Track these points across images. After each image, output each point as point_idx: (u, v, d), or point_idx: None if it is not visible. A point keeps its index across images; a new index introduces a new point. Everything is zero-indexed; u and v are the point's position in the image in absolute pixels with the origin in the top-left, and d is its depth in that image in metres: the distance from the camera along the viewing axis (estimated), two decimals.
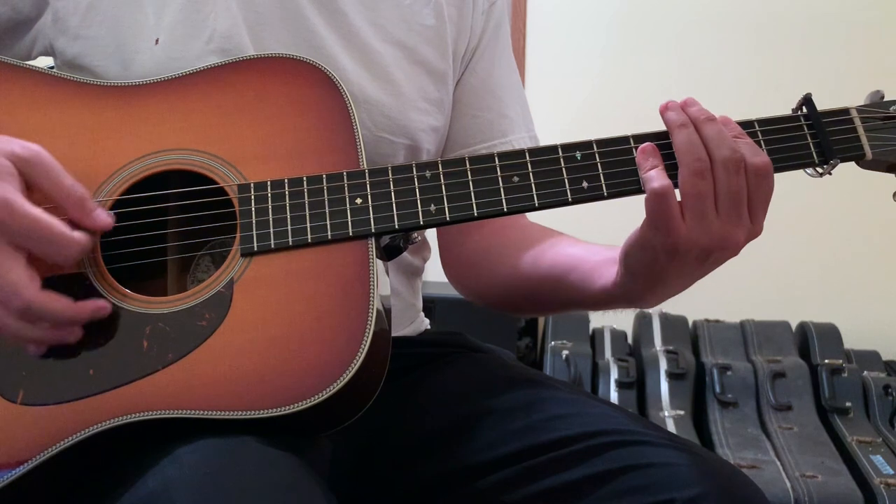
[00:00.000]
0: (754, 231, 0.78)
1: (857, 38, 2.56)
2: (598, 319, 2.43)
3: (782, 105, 0.86)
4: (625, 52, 2.70)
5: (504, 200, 0.79)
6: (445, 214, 0.79)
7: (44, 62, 0.94)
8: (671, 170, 0.77)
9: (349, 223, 0.77)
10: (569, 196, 0.79)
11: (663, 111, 0.80)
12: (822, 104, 0.81)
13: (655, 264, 0.78)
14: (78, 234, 0.73)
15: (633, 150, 0.79)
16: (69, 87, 0.86)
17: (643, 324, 2.39)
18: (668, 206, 0.75)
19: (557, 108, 2.55)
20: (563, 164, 0.79)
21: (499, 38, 1.06)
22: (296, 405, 0.69)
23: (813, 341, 2.32)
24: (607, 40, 2.71)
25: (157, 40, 0.89)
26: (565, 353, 2.31)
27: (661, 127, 0.80)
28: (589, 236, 0.96)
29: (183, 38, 0.89)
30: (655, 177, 0.76)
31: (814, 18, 2.58)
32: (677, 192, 0.77)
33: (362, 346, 0.71)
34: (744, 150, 0.77)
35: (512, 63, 1.09)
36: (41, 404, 0.72)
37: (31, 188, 0.73)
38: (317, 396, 0.69)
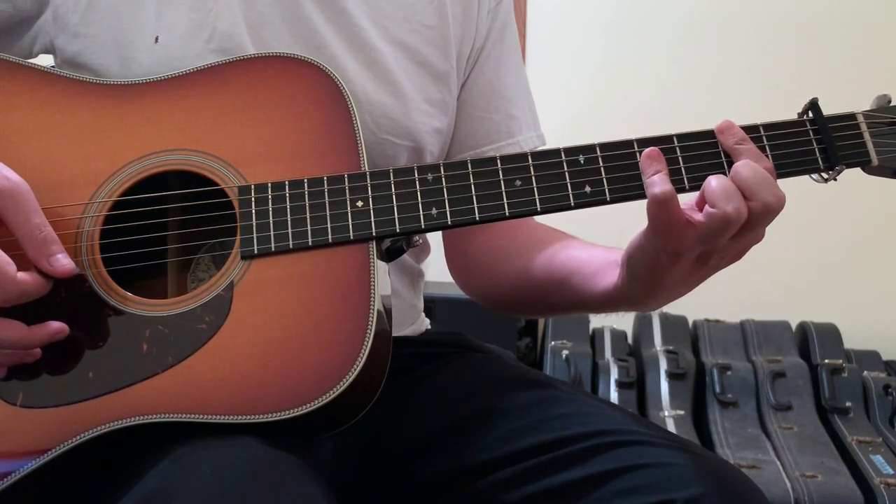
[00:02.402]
0: (757, 237, 0.78)
1: (858, 37, 2.56)
2: (599, 320, 2.43)
3: (783, 105, 0.86)
4: (625, 52, 2.70)
5: (506, 204, 0.78)
6: (447, 218, 0.78)
7: (44, 60, 0.94)
8: (675, 174, 0.77)
9: (350, 226, 0.77)
10: (571, 200, 0.78)
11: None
12: (822, 103, 0.81)
13: (658, 268, 0.78)
14: (22, 276, 0.71)
15: (637, 155, 0.78)
16: (69, 86, 0.86)
17: (643, 324, 2.39)
18: (670, 212, 0.74)
19: (557, 108, 2.54)
20: (565, 168, 0.79)
21: (505, 37, 1.06)
22: (296, 409, 0.69)
23: (813, 341, 2.31)
24: (607, 40, 2.71)
25: (156, 38, 0.89)
26: (565, 353, 2.30)
27: (663, 128, 0.80)
28: (592, 237, 0.96)
29: (183, 36, 0.89)
30: (657, 182, 0.75)
31: (815, 18, 2.58)
32: (683, 196, 0.77)
33: (363, 349, 0.71)
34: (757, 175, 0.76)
35: (519, 62, 1.08)
36: (41, 407, 0.72)
37: (1, 221, 0.73)
38: (318, 400, 0.69)
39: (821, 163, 0.80)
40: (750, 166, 0.75)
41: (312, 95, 0.83)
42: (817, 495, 1.82)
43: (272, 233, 0.77)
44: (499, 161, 0.79)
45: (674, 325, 2.38)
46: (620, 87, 2.65)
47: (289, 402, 0.69)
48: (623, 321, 2.48)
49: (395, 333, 0.79)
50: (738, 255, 0.79)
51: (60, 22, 0.91)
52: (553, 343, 2.35)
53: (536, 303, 1.01)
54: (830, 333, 2.33)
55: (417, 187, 0.79)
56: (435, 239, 1.08)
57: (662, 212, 0.74)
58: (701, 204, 0.76)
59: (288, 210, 0.78)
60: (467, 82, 1.03)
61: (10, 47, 0.94)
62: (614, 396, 2.20)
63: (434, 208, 0.78)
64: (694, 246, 0.75)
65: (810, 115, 0.81)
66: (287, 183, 0.79)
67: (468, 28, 1.02)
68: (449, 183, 0.79)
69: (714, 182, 0.74)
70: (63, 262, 0.73)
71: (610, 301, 0.86)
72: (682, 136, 0.79)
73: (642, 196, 0.77)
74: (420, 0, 0.99)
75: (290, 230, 0.77)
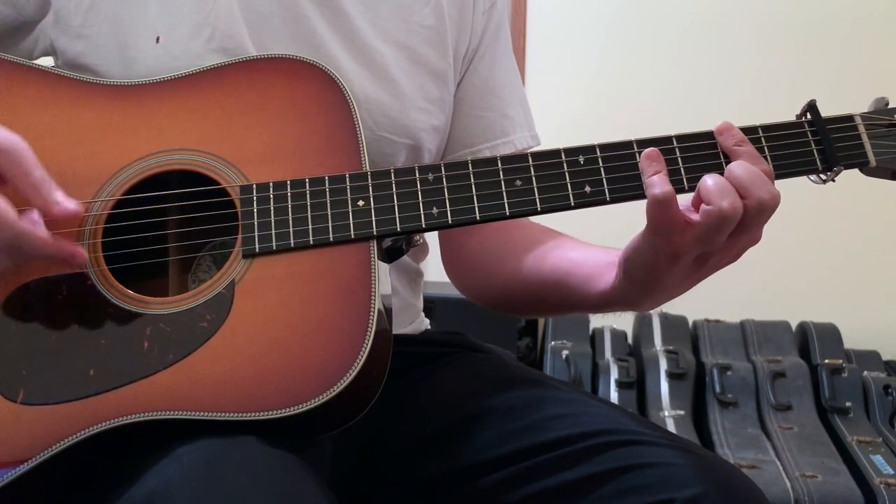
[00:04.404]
0: (754, 239, 0.78)
1: (857, 39, 2.56)
2: (599, 319, 2.43)
3: (782, 104, 0.86)
4: (625, 52, 2.70)
5: (506, 204, 0.79)
6: (447, 217, 0.79)
7: (44, 62, 0.94)
8: (674, 174, 0.77)
9: (351, 225, 0.77)
10: (571, 200, 0.79)
11: (702, 181, 0.77)
12: (820, 104, 0.81)
13: (655, 270, 0.78)
14: (22, 220, 0.72)
15: (637, 156, 0.79)
16: (72, 86, 0.86)
17: (643, 324, 2.39)
18: (670, 213, 0.75)
19: (557, 107, 2.55)
20: (565, 169, 0.79)
21: (499, 38, 1.07)
22: (297, 407, 0.69)
23: (813, 341, 2.32)
24: (607, 41, 2.71)
25: (157, 38, 0.89)
26: (565, 353, 2.31)
27: (662, 128, 0.80)
28: (591, 237, 0.96)
29: (184, 36, 0.89)
30: (657, 183, 0.75)
31: (813, 19, 2.58)
32: (683, 196, 0.77)
33: (363, 348, 0.71)
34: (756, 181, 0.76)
35: (513, 62, 1.09)
36: (41, 404, 0.72)
37: (2, 179, 0.73)
38: (318, 399, 0.69)
39: (819, 164, 0.80)
40: (743, 165, 0.76)
41: (314, 97, 0.83)
42: (817, 495, 1.83)
43: (273, 232, 0.77)
44: (499, 161, 0.80)
45: (674, 325, 2.39)
46: (620, 87, 2.66)
47: (289, 399, 0.69)
48: (623, 321, 2.48)
49: (394, 332, 0.79)
50: (735, 257, 0.79)
51: (62, 24, 0.91)
52: (553, 343, 2.35)
53: (532, 304, 1.02)
54: (830, 333, 2.34)
55: (418, 187, 0.79)
56: (434, 239, 1.09)
57: (662, 212, 0.75)
58: (697, 203, 0.76)
59: (289, 209, 0.78)
60: (463, 81, 1.04)
61: (10, 50, 0.94)
62: (614, 396, 2.20)
63: (435, 208, 0.79)
64: (692, 246, 0.76)
65: (809, 116, 0.81)
66: (289, 182, 0.79)
67: (464, 28, 1.02)
68: (450, 183, 0.79)
69: (709, 180, 0.75)
70: (68, 203, 0.74)
71: (606, 302, 0.86)
72: (682, 137, 0.80)
73: (642, 196, 0.78)
74: (417, 1, 0.99)
75: (291, 229, 0.77)
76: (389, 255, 0.81)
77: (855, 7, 2.57)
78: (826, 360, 2.26)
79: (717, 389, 2.20)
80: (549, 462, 0.81)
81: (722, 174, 0.76)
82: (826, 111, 0.81)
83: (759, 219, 0.76)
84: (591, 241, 0.95)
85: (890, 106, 0.82)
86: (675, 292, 0.82)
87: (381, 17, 0.97)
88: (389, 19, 0.97)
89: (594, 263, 0.88)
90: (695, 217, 0.75)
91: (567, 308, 0.96)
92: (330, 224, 0.77)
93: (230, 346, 0.73)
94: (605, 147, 0.80)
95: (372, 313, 0.73)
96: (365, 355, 0.71)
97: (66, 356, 0.74)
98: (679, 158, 0.79)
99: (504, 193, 0.79)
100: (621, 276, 0.82)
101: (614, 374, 2.25)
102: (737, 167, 0.76)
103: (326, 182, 0.79)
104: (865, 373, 2.24)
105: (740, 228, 0.75)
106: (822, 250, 2.55)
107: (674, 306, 2.41)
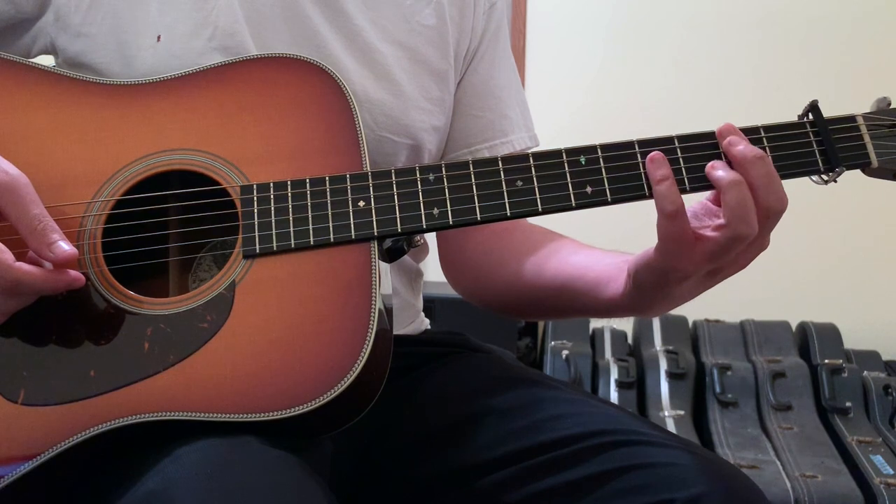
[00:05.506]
0: (762, 246, 0.78)
1: (858, 39, 2.56)
2: (599, 319, 2.43)
3: (783, 105, 0.86)
4: (624, 52, 2.70)
5: (507, 205, 0.79)
6: (448, 218, 0.78)
7: (42, 61, 0.94)
8: (676, 174, 0.77)
9: (352, 226, 0.77)
10: (573, 201, 0.79)
11: (710, 171, 0.77)
12: (822, 105, 0.81)
13: (665, 286, 0.79)
14: (20, 264, 0.71)
15: (638, 156, 0.79)
16: (71, 86, 0.86)
17: (643, 324, 2.39)
18: (681, 227, 0.75)
19: (557, 108, 2.55)
20: (567, 169, 0.79)
21: (499, 38, 1.07)
22: (298, 408, 0.69)
23: (813, 341, 2.32)
24: (607, 41, 2.71)
25: (158, 37, 0.89)
26: (565, 353, 2.31)
27: (663, 129, 0.80)
28: (592, 238, 0.96)
29: (185, 35, 0.89)
30: (668, 196, 0.75)
31: (814, 19, 2.58)
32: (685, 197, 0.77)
33: (364, 349, 0.71)
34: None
35: (512, 63, 1.09)
36: (42, 405, 0.72)
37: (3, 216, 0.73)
38: (318, 400, 0.69)
39: (821, 164, 0.80)
40: (765, 165, 0.76)
41: (315, 96, 0.83)
42: (817, 495, 1.83)
43: (274, 232, 0.77)
44: (500, 161, 0.80)
45: (674, 325, 2.39)
46: (620, 87, 2.66)
47: (290, 400, 0.69)
48: (623, 321, 2.48)
49: (394, 333, 0.79)
50: (743, 265, 0.79)
51: (62, 22, 0.91)
52: (553, 343, 2.36)
53: (533, 307, 1.02)
54: (830, 333, 2.34)
55: (419, 187, 0.79)
56: (433, 239, 1.08)
57: (673, 226, 0.75)
58: (715, 200, 0.77)
59: (290, 209, 0.78)
60: (462, 81, 1.04)
61: (8, 48, 0.94)
62: (614, 396, 2.20)
63: (435, 208, 0.79)
64: (703, 265, 0.76)
65: (810, 116, 0.81)
66: (289, 182, 0.79)
67: (464, 29, 1.03)
68: (450, 183, 0.79)
69: (733, 196, 0.74)
70: (63, 247, 0.72)
71: (613, 308, 0.87)
72: (683, 138, 0.80)
73: (643, 196, 0.78)
74: (419, 2, 0.99)
75: (291, 229, 0.77)
76: (390, 256, 0.81)
77: (856, 7, 2.57)
78: (826, 360, 2.26)
79: (717, 389, 2.20)
80: (550, 462, 0.81)
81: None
82: (828, 111, 0.81)
83: (767, 226, 0.76)
84: (593, 242, 0.95)
85: (892, 106, 0.82)
86: (684, 300, 0.82)
87: (383, 17, 0.97)
88: (391, 19, 0.97)
89: (600, 269, 0.88)
90: (708, 233, 0.75)
91: (569, 312, 0.96)
92: (331, 224, 0.77)
93: (231, 346, 0.73)
94: (606, 147, 0.79)
95: (373, 314, 0.73)
96: (366, 356, 0.71)
97: (67, 357, 0.74)
98: (681, 158, 0.79)
99: (505, 193, 0.79)
100: (631, 286, 0.82)
101: (614, 374, 2.25)
102: (755, 168, 0.75)
103: (327, 182, 0.79)
104: (865, 373, 2.24)
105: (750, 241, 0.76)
106: (822, 250, 2.55)
107: None
